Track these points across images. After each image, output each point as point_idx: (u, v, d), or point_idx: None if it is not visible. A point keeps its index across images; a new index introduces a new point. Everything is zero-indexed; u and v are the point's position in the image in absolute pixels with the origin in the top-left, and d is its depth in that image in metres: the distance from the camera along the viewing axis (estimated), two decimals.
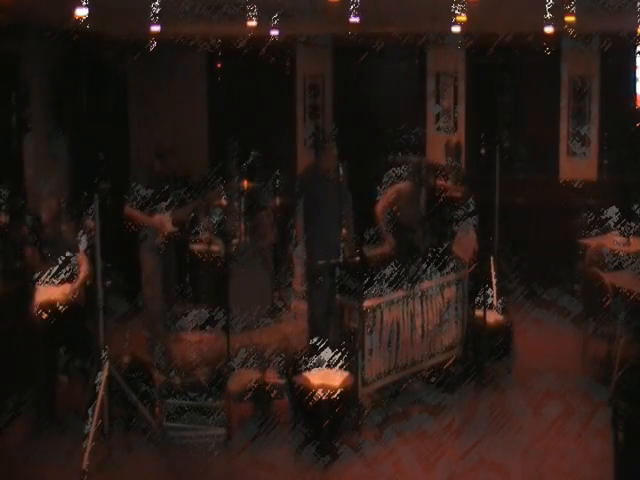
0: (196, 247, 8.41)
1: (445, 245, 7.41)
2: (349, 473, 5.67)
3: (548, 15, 7.63)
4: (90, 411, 5.56)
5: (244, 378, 6.41)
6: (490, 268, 7.87)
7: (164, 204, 7.25)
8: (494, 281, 7.89)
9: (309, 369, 6.15)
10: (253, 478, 5.65)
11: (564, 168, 10.52)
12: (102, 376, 5.70)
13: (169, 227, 7.26)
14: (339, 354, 6.20)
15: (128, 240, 7.36)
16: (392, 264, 6.69)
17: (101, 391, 5.65)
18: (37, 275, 6.51)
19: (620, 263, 7.93)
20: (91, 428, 5.48)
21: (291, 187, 7.78)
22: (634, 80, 10.24)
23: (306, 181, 7.47)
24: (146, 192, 7.17)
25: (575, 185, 10.27)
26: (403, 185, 7.96)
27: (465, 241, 7.55)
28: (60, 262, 6.57)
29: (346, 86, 11.04)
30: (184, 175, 8.90)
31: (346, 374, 6.11)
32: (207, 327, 7.26)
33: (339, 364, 6.18)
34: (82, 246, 6.76)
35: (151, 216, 7.18)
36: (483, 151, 9.27)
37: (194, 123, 11.22)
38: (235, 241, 8.50)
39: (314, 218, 7.23)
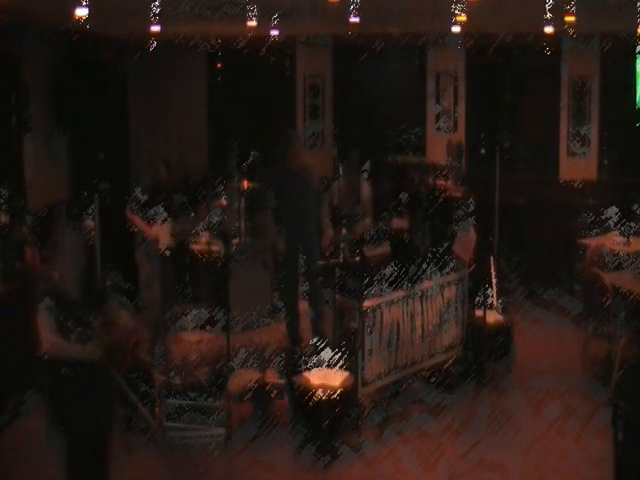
0: (196, 247, 8.41)
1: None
2: (349, 473, 5.67)
3: (548, 15, 7.62)
4: None
5: (244, 378, 6.40)
6: (490, 268, 7.87)
7: (164, 214, 7.24)
8: (494, 281, 7.88)
9: (309, 369, 6.15)
10: (253, 478, 5.65)
11: (564, 168, 10.52)
12: None
13: (166, 240, 7.26)
14: (339, 354, 6.21)
15: (128, 240, 7.37)
16: (392, 264, 6.70)
17: None
18: None
19: (620, 263, 7.93)
20: None
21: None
22: (634, 80, 10.24)
23: (275, 180, 7.58)
24: (147, 197, 7.18)
25: (575, 185, 10.27)
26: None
27: (465, 241, 7.55)
28: None
29: (346, 86, 11.04)
30: (184, 176, 8.92)
31: (346, 374, 6.11)
32: (207, 327, 7.25)
33: (339, 364, 6.18)
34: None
35: (150, 225, 7.18)
36: (483, 151, 9.28)
37: (194, 123, 11.23)
38: (235, 241, 8.51)
39: (284, 216, 7.34)
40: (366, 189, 8.49)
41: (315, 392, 5.79)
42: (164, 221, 7.25)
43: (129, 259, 7.49)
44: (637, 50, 10.13)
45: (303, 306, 7.81)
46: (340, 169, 7.82)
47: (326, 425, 5.75)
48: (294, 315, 7.55)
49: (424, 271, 6.88)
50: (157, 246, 7.18)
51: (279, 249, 7.56)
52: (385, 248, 8.34)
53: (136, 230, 7.26)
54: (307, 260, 7.51)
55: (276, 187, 7.55)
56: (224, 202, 8.66)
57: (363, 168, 8.64)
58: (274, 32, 9.25)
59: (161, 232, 7.19)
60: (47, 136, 9.02)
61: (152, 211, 7.18)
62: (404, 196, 8.72)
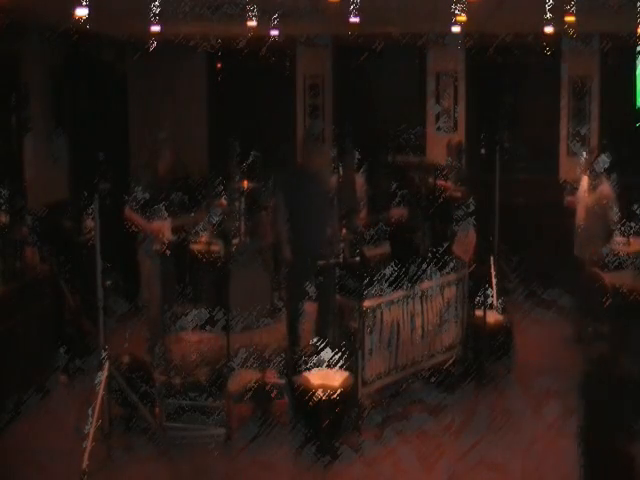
0: (196, 247, 8.41)
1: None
2: (349, 473, 5.67)
3: (548, 15, 7.62)
4: (90, 411, 5.56)
5: (244, 378, 6.40)
6: (490, 268, 7.87)
7: (164, 213, 7.22)
8: (494, 281, 7.88)
9: (309, 369, 6.15)
10: (253, 478, 5.65)
11: (564, 168, 10.52)
12: (102, 376, 5.70)
13: (168, 235, 7.23)
14: (339, 354, 6.21)
15: (128, 240, 7.36)
16: (392, 264, 6.70)
17: (101, 391, 5.65)
18: None
19: (620, 263, 7.93)
20: (91, 428, 5.48)
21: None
22: (634, 80, 10.24)
23: (290, 180, 7.52)
24: (146, 194, 7.15)
25: (575, 185, 10.26)
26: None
27: (465, 241, 7.55)
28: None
29: (346, 86, 11.04)
30: (184, 176, 8.90)
31: (346, 374, 6.11)
32: (207, 327, 7.25)
33: (339, 364, 6.18)
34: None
35: (150, 222, 7.16)
36: (483, 151, 9.27)
37: (194, 123, 11.22)
38: (235, 241, 8.50)
39: (298, 218, 7.27)
40: (361, 182, 8.50)
41: (315, 392, 5.79)
42: (165, 218, 7.22)
43: (129, 259, 7.48)
44: (637, 50, 10.13)
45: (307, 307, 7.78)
46: (340, 169, 7.80)
47: (326, 425, 5.74)
48: (296, 316, 7.50)
49: (424, 271, 6.88)
50: (158, 243, 7.16)
51: (286, 250, 7.48)
52: (385, 248, 8.33)
53: (136, 229, 7.24)
54: (313, 260, 7.43)
55: (288, 188, 7.47)
56: (224, 202, 8.65)
57: (362, 168, 8.65)
58: (274, 32, 9.25)
59: (162, 228, 7.17)
60: (47, 136, 9.01)
61: (152, 209, 7.16)
62: (404, 191, 8.73)
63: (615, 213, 8.09)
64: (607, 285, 7.03)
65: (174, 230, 7.31)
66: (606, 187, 8.10)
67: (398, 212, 8.53)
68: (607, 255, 8.00)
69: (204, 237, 8.38)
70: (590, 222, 8.03)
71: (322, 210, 7.33)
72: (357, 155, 8.51)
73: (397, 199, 8.68)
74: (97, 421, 5.55)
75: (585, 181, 8.21)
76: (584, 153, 8.64)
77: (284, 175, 7.71)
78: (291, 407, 6.15)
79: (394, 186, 8.78)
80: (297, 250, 7.31)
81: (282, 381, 6.40)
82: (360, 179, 8.51)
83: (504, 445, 5.97)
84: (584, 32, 9.76)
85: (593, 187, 8.06)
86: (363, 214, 8.41)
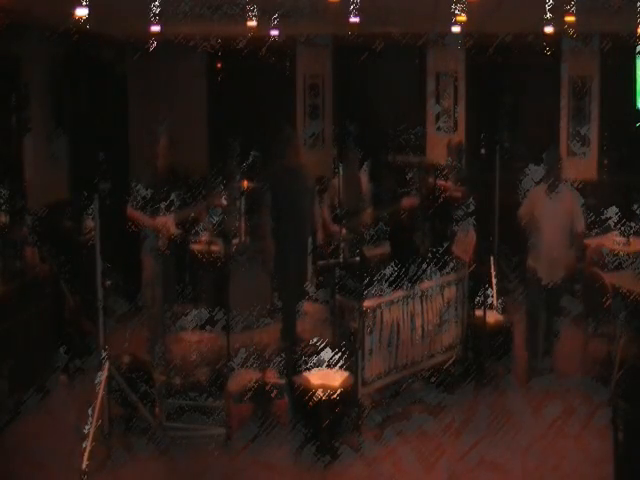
0: (196, 247, 8.41)
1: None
2: (349, 473, 5.67)
3: (548, 15, 7.63)
4: (90, 411, 5.56)
5: (244, 378, 6.40)
6: (490, 268, 7.87)
7: (165, 208, 7.22)
8: (494, 281, 7.88)
9: (309, 369, 6.15)
10: (253, 478, 5.65)
11: (564, 168, 10.50)
12: (102, 376, 5.70)
13: (172, 230, 7.23)
14: (339, 354, 6.21)
15: (128, 240, 7.36)
16: (392, 264, 6.70)
17: (101, 391, 5.65)
18: None
19: (620, 263, 7.93)
20: (91, 428, 5.48)
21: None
22: (634, 80, 10.24)
23: (273, 180, 7.55)
24: (147, 192, 7.15)
25: (575, 185, 10.26)
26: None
27: (465, 241, 7.55)
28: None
29: (346, 86, 11.04)
30: (184, 175, 8.89)
31: (346, 374, 6.11)
32: (207, 327, 7.25)
33: (339, 364, 6.18)
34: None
35: (153, 218, 7.15)
36: (483, 151, 9.26)
37: (194, 123, 11.22)
38: (235, 241, 8.50)
39: (282, 216, 7.32)
40: (365, 180, 8.52)
41: (315, 392, 5.79)
42: (165, 211, 7.22)
43: (129, 259, 7.48)
44: (637, 50, 10.13)
45: (304, 306, 7.78)
46: (340, 169, 7.80)
47: (326, 425, 5.75)
48: (290, 317, 7.48)
49: (424, 271, 6.88)
50: (162, 239, 7.15)
51: (271, 248, 7.52)
52: (385, 248, 8.34)
53: (138, 228, 7.23)
54: (299, 260, 7.46)
55: (272, 186, 7.52)
56: (224, 202, 8.65)
57: (363, 167, 8.67)
58: (274, 32, 9.26)
59: (165, 223, 7.15)
60: (47, 136, 9.01)
61: (153, 208, 7.15)
62: (404, 190, 8.76)
63: (584, 215, 7.81)
64: (607, 285, 7.02)
65: (177, 225, 7.31)
66: (567, 190, 7.81)
67: (409, 201, 8.49)
68: (607, 255, 8.01)
69: (204, 237, 8.39)
70: (559, 229, 7.61)
71: (303, 206, 7.38)
72: (357, 155, 8.52)
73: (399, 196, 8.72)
74: (97, 421, 5.56)
75: (540, 192, 7.79)
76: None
77: (268, 173, 7.77)
78: (291, 407, 6.15)
79: (394, 186, 8.81)
80: (281, 247, 7.35)
81: (282, 381, 6.39)
82: (361, 179, 8.52)
83: (504, 445, 5.97)
84: (584, 32, 9.76)
85: (555, 194, 7.65)
86: (364, 214, 8.41)
